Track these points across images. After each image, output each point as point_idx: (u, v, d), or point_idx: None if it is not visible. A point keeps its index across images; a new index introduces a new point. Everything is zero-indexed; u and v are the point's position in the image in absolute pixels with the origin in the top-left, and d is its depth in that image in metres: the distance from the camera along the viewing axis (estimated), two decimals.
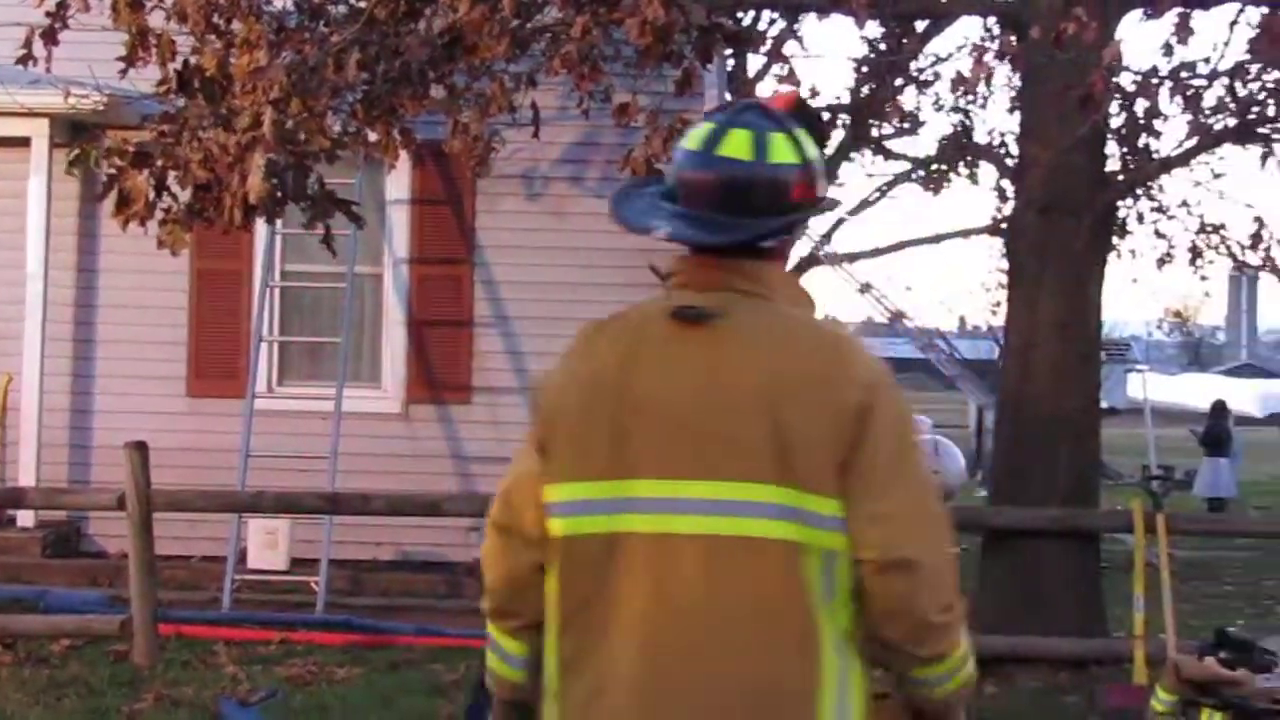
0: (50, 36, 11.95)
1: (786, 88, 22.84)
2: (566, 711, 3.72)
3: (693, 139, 3.92)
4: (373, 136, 12.68)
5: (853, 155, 25.85)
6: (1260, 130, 14.44)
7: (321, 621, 14.65)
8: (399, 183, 16.70)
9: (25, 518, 16.52)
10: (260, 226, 14.86)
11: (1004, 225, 14.62)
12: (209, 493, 14.62)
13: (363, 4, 12.35)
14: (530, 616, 3.90)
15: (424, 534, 16.12)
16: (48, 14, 11.93)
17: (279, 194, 12.25)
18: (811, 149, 3.92)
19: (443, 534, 16.15)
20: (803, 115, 3.96)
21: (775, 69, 20.62)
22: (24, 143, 16.26)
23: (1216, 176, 22.97)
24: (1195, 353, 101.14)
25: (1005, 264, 14.44)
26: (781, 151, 3.88)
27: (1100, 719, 11.83)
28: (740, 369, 3.68)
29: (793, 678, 3.59)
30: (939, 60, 22.04)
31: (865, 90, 21.60)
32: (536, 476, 3.81)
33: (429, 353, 16.86)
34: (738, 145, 3.86)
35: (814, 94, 22.32)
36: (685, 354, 3.70)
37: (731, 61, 20.36)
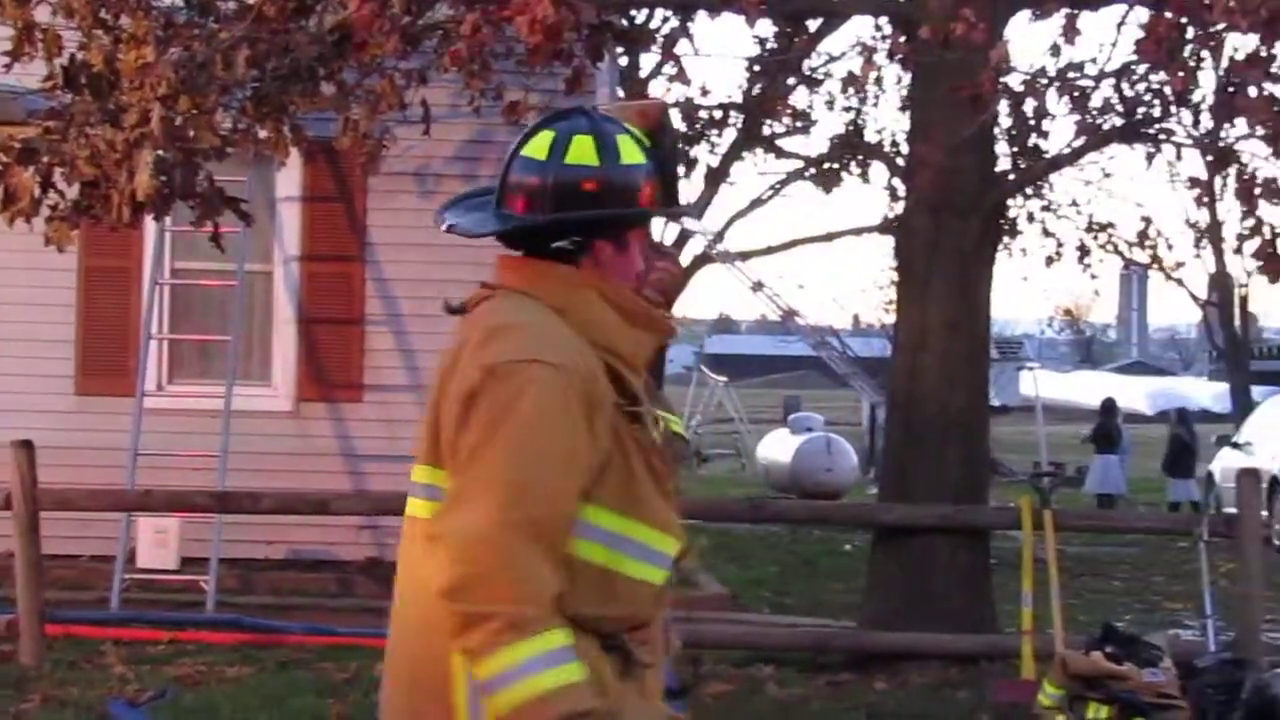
0: None
1: (678, 87, 23.00)
2: None
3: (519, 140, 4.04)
4: (263, 134, 12.63)
5: (745, 154, 26.03)
6: (1146, 130, 14.60)
7: (211, 621, 14.60)
8: (290, 180, 16.64)
9: None
10: (149, 224, 14.78)
11: (895, 224, 14.68)
12: (97, 491, 14.54)
13: (252, 0, 12.33)
14: None
15: (315, 532, 16.09)
16: None
17: (167, 191, 12.22)
18: (629, 155, 3.93)
19: (334, 532, 16.14)
20: (659, 126, 4.02)
21: (667, 67, 20.80)
22: None
23: (1106, 176, 23.27)
24: (1087, 350, 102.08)
25: (897, 262, 14.52)
26: (581, 153, 3.90)
27: (990, 714, 11.92)
28: (443, 360, 3.90)
29: (433, 659, 3.69)
30: (831, 59, 22.24)
31: (757, 89, 21.74)
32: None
33: (320, 351, 16.82)
34: (537, 146, 3.97)
35: (705, 92, 22.48)
36: (450, 347, 3.92)
37: (624, 60, 20.43)
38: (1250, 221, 13.66)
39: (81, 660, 12.76)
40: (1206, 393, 64.88)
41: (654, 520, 3.81)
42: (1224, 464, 26.98)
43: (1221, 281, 44.00)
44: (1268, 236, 13.53)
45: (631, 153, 3.95)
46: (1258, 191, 13.33)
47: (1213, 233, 30.40)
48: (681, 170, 4.35)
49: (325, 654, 13.18)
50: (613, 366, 3.82)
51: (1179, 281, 44.73)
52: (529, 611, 3.52)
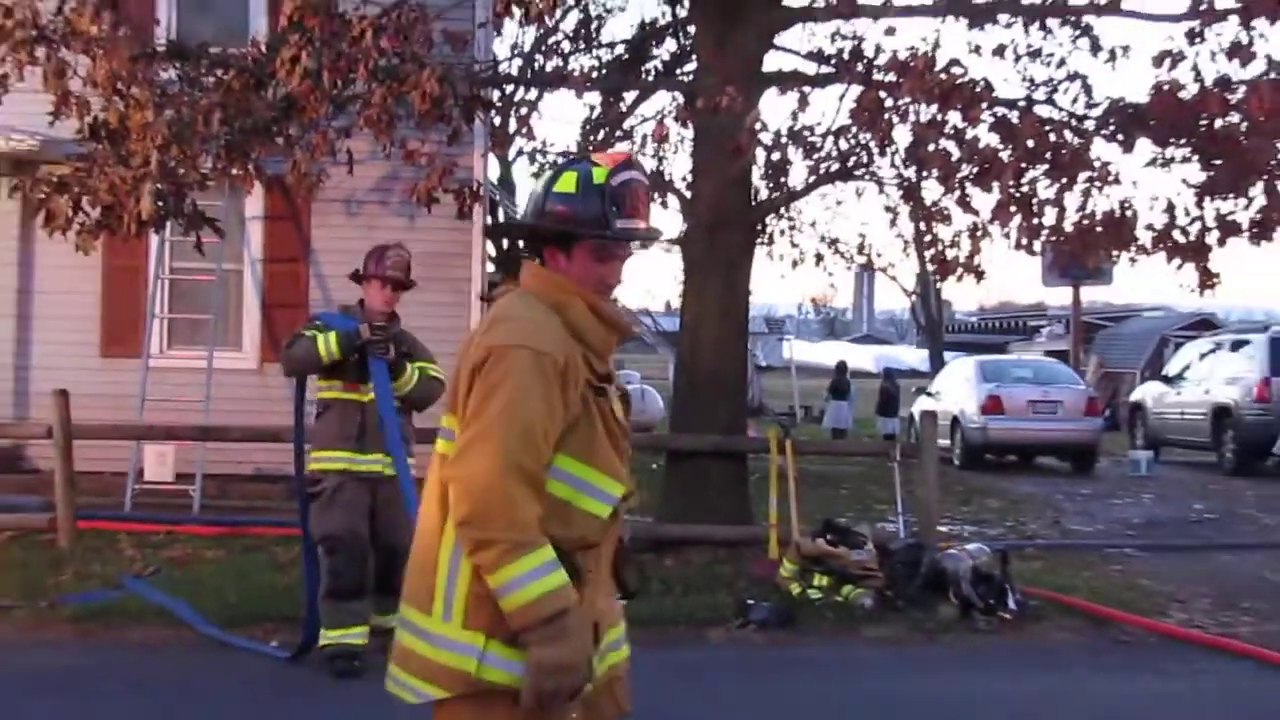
0: None
1: (529, 142, 23.02)
2: None
3: None
4: (234, 171, 12.57)
5: None
6: (856, 173, 14.74)
7: (196, 518, 14.61)
8: (254, 204, 16.60)
9: None
10: (151, 236, 14.77)
11: (683, 238, 14.75)
12: (115, 425, 14.51)
13: (224, 77, 12.34)
14: None
15: (272, 455, 16.00)
16: None
17: (164, 213, 12.27)
18: (568, 184, 3.73)
19: (285, 455, 16.02)
20: (623, 165, 3.77)
21: (521, 129, 20.85)
22: None
23: (839, 204, 23.47)
24: (831, 327, 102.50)
25: (684, 263, 14.62)
26: (562, 183, 3.75)
27: (746, 582, 11.92)
28: (467, 337, 3.75)
29: (425, 546, 3.70)
30: (643, 120, 22.30)
31: (589, 142, 21.80)
32: None
33: (275, 326, 16.72)
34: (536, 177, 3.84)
35: (549, 145, 22.53)
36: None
37: (497, 120, 20.47)
38: (929, 237, 13.90)
39: (103, 546, 12.73)
40: (915, 357, 65.16)
41: (607, 468, 3.72)
42: (921, 407, 27.49)
43: (922, 278, 44.67)
44: (939, 248, 13.75)
45: (570, 184, 3.76)
46: (933, 217, 13.57)
47: (917, 244, 30.84)
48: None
49: (277, 541, 13.15)
50: (586, 354, 3.70)
51: (894, 278, 45.47)
52: (522, 537, 3.47)
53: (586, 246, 3.74)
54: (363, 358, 8.76)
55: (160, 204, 11.94)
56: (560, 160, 4.21)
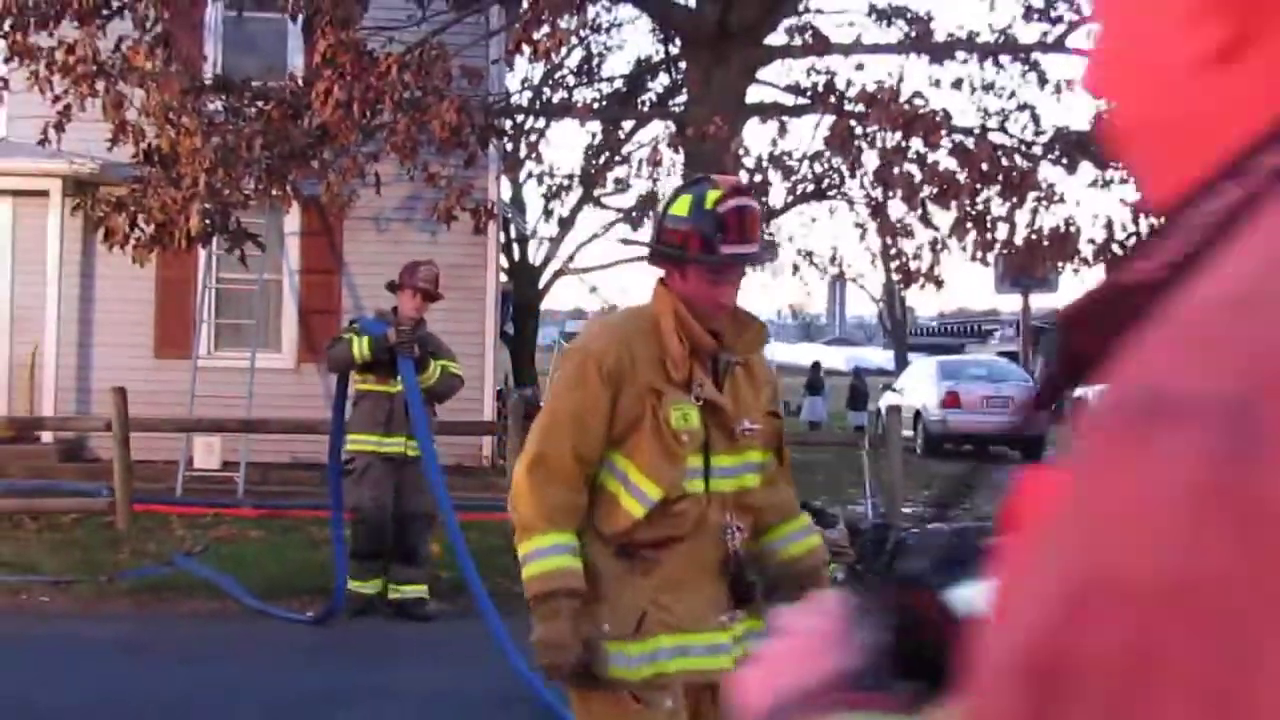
0: (59, 126, 11.79)
1: (538, 165, 23.01)
2: None
3: None
4: (274, 192, 12.59)
5: (584, 206, 26.07)
6: (829, 193, 14.78)
7: (240, 502, 14.58)
8: (292, 221, 16.52)
9: (46, 437, 16.22)
10: (200, 250, 14.72)
11: None
12: (167, 418, 14.47)
13: (265, 108, 12.32)
14: None
15: (307, 445, 16.02)
16: (58, 112, 11.76)
17: (211, 230, 12.25)
18: (681, 208, 3.51)
19: (320, 445, 16.03)
20: (733, 191, 3.54)
21: (530, 154, 20.78)
22: (44, 194, 15.90)
23: (813, 220, 23.45)
24: (806, 331, 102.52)
25: None
26: (677, 206, 3.53)
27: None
28: None
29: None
30: (640, 146, 22.33)
31: (591, 166, 21.80)
32: None
33: (311, 330, 16.72)
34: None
35: (555, 169, 22.56)
36: None
37: (509, 146, 20.46)
38: (894, 250, 13.93)
39: (156, 527, 12.68)
40: (882, 358, 64.98)
41: (648, 470, 3.44)
42: (887, 402, 27.44)
43: (888, 287, 44.69)
44: (904, 260, 13.78)
45: (683, 207, 3.53)
46: (897, 232, 13.60)
47: (884, 256, 30.86)
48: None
49: (313, 523, 13.15)
50: (665, 360, 3.47)
51: (862, 287, 45.42)
52: (528, 521, 3.42)
53: (700, 267, 3.49)
54: (393, 357, 9.09)
55: (208, 221, 11.93)
56: (680, 184, 3.83)
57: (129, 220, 11.84)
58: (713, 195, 3.48)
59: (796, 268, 22.41)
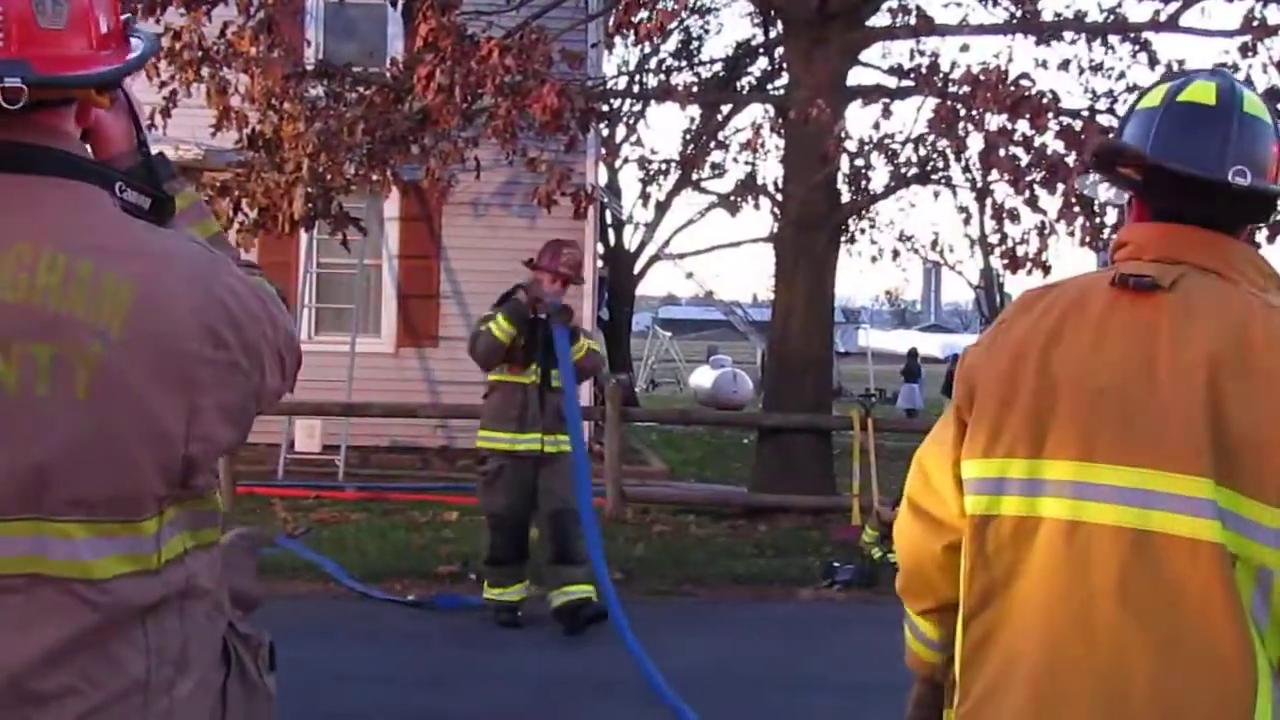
0: (165, 112, 11.91)
1: (636, 149, 23.02)
2: (964, 706, 2.32)
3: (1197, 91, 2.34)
4: (374, 177, 12.64)
5: (681, 191, 26.02)
6: (934, 177, 14.62)
7: (341, 485, 14.70)
8: (391, 206, 16.62)
9: None
10: (301, 234, 14.83)
11: (774, 236, 14.67)
12: None
13: (366, 93, 12.39)
14: (943, 599, 2.50)
15: (406, 429, 16.16)
16: (164, 98, 11.89)
17: (313, 214, 12.30)
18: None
19: (418, 429, 16.20)
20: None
21: (630, 137, 20.83)
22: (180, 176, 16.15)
23: (912, 206, 23.24)
24: (902, 317, 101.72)
25: (775, 259, 14.52)
26: (1254, 106, 2.33)
27: (831, 546, 11.87)
28: (1181, 348, 2.17)
29: (1218, 701, 2.08)
30: (737, 130, 22.25)
31: (689, 150, 21.74)
32: (951, 446, 2.40)
33: (410, 314, 16.84)
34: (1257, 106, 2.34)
35: (654, 152, 22.56)
36: (1120, 327, 2.24)
37: (606, 131, 20.45)
38: (998, 235, 13.74)
39: (259, 509, 12.84)
40: None
41: None
42: None
43: (986, 273, 44.16)
44: (1009, 245, 13.57)
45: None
46: (1004, 217, 13.41)
47: (981, 242, 30.51)
48: None
49: (413, 505, 13.26)
50: None
51: (960, 273, 45.01)
52: None
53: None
54: (530, 340, 8.58)
55: (310, 206, 11.99)
56: None
57: (233, 205, 11.95)
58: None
59: (896, 253, 22.22)
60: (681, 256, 30.54)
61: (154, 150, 2.29)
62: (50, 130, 2.02)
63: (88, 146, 2.18)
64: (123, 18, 2.14)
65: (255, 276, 2.22)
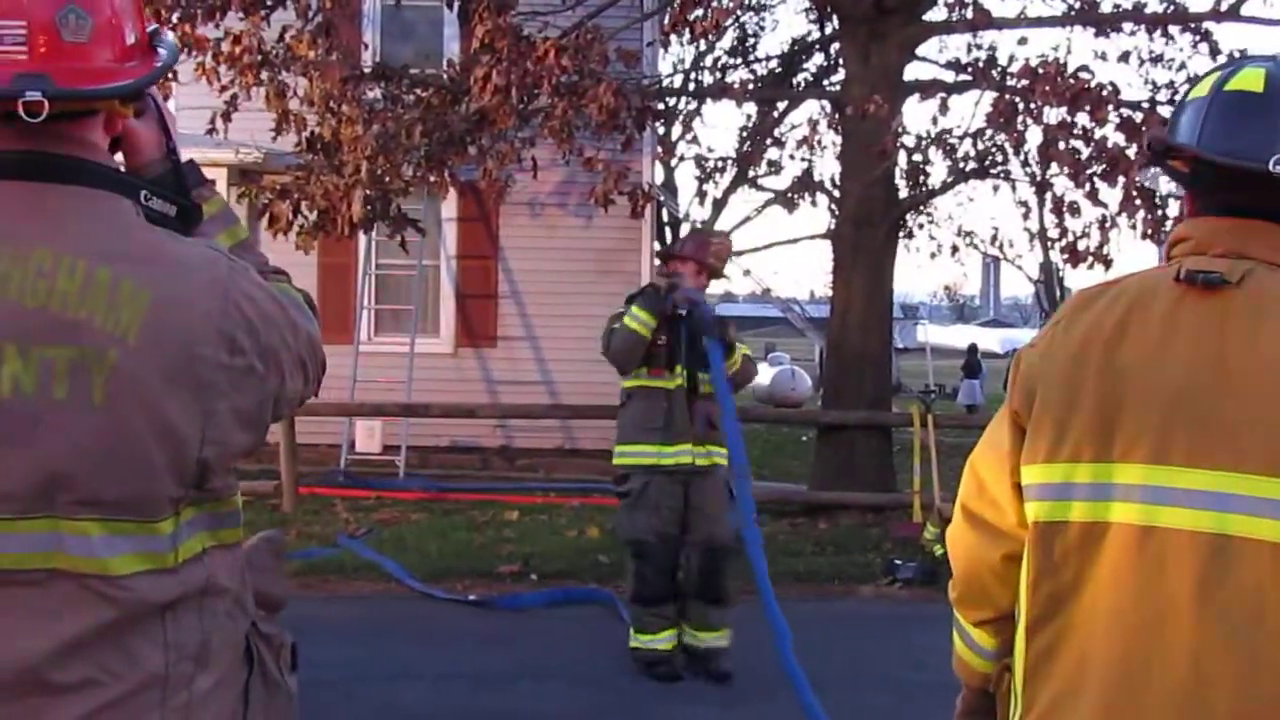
0: (226, 116, 12.01)
1: (693, 147, 23.02)
2: (1029, 718, 2.22)
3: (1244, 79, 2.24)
4: (432, 179, 12.67)
5: (738, 188, 25.96)
6: (992, 171, 14.51)
7: (402, 485, 14.76)
8: (449, 207, 16.68)
9: None
10: (360, 236, 14.91)
11: (832, 232, 14.61)
12: (330, 403, 14.61)
13: (423, 95, 12.44)
14: (1000, 609, 2.40)
15: (466, 429, 16.21)
16: (225, 102, 11.99)
17: (372, 216, 12.37)
18: None
19: (478, 429, 16.23)
20: None
21: (687, 135, 20.80)
22: (211, 183, 16.26)
23: (970, 200, 23.06)
24: (961, 312, 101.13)
25: (833, 256, 14.46)
26: None
27: (892, 543, 11.86)
28: (1254, 346, 2.09)
29: None
30: (793, 127, 22.18)
31: (745, 147, 21.69)
32: (1008, 453, 2.28)
33: (469, 315, 16.90)
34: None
35: (710, 150, 22.54)
36: (1188, 325, 2.14)
37: (661, 129, 20.45)
38: (1058, 229, 13.62)
39: (321, 510, 12.93)
40: None
41: None
42: None
43: (1046, 267, 43.82)
44: (1070, 239, 13.46)
45: None
46: (1064, 210, 13.29)
47: (1040, 236, 30.29)
48: None
49: (473, 505, 13.29)
50: None
51: (1019, 267, 44.65)
52: None
53: None
54: (671, 338, 7.59)
55: (369, 208, 12.06)
56: None
57: (293, 207, 12.01)
58: None
59: (955, 248, 22.10)
60: (739, 254, 30.46)
61: (184, 158, 2.33)
62: (75, 140, 2.08)
63: (119, 155, 2.23)
64: (149, 29, 2.18)
65: (280, 283, 2.31)
